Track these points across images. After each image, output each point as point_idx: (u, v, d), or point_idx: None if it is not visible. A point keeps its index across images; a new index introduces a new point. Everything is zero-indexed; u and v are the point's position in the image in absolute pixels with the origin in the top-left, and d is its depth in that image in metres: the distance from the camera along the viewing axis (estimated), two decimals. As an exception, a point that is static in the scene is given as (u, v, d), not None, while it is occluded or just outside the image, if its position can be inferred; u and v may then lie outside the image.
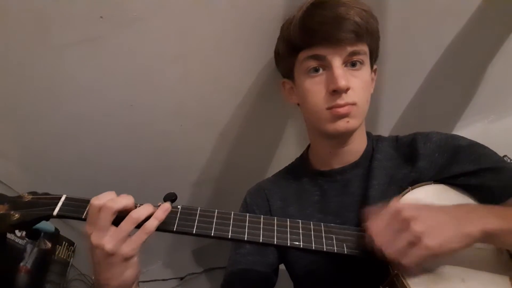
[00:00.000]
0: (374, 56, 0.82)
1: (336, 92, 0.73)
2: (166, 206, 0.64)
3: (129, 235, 0.62)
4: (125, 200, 0.62)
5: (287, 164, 0.97)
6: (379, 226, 0.61)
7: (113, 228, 0.60)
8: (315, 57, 0.76)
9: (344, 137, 0.80)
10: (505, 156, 1.22)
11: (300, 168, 0.91)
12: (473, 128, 1.42)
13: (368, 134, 0.88)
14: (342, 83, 0.72)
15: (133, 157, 1.14)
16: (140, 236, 0.61)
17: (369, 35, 0.76)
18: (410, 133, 0.85)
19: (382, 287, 0.63)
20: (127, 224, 0.61)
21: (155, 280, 1.65)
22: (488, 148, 0.76)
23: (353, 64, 0.75)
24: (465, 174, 0.73)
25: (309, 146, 0.93)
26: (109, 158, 1.11)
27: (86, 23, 0.81)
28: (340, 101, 0.74)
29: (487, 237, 0.58)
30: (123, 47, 0.87)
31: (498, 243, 0.61)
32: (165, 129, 1.09)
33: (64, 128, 1.00)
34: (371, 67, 0.82)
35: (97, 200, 0.61)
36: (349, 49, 0.74)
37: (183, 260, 1.69)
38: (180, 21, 0.86)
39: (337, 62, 0.74)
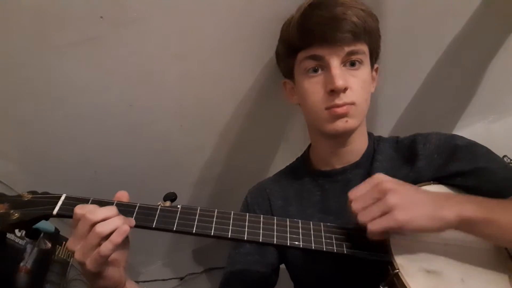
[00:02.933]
0: (374, 55, 0.82)
1: (334, 92, 0.74)
2: (124, 228, 0.59)
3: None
4: (106, 212, 0.60)
5: (287, 164, 0.97)
6: (359, 192, 0.63)
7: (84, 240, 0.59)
8: (313, 57, 0.76)
9: (344, 137, 0.81)
10: (505, 156, 1.23)
11: (301, 168, 0.91)
12: (473, 128, 1.42)
13: (370, 134, 0.88)
14: (339, 83, 0.72)
15: (133, 157, 1.14)
16: (96, 257, 0.57)
17: (367, 34, 0.76)
18: (410, 133, 0.85)
19: (381, 287, 0.63)
20: (91, 237, 0.58)
21: (155, 280, 1.65)
22: (486, 148, 0.76)
23: (352, 64, 0.76)
24: (462, 173, 0.73)
25: (310, 145, 0.93)
26: (109, 158, 1.11)
27: (86, 23, 0.81)
28: (338, 101, 0.74)
29: (463, 224, 0.59)
30: (123, 47, 0.87)
31: (474, 231, 0.61)
32: (165, 129, 1.09)
33: (64, 128, 1.00)
34: (372, 66, 0.82)
35: (80, 210, 0.60)
36: (347, 49, 0.74)
37: (183, 260, 1.69)
38: (180, 21, 0.86)
39: (335, 62, 0.74)
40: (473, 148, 0.75)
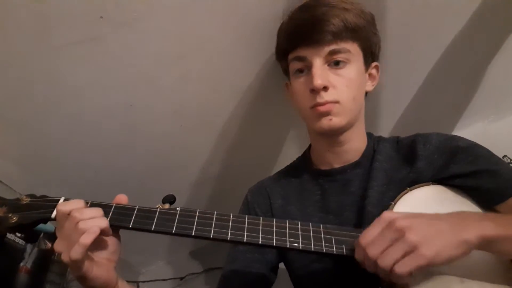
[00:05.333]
0: (369, 53, 0.81)
1: (314, 91, 0.75)
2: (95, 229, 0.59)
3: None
4: (92, 212, 0.60)
5: (287, 164, 0.97)
6: (371, 236, 0.59)
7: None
8: (298, 59, 0.79)
9: (336, 135, 0.81)
10: (505, 156, 1.22)
11: (302, 167, 0.92)
12: (473, 128, 1.42)
13: (370, 134, 0.88)
14: (317, 82, 0.74)
15: (133, 157, 1.14)
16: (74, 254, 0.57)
17: (353, 32, 0.76)
18: (410, 133, 0.85)
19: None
20: (75, 235, 0.58)
21: (155, 280, 1.65)
22: (487, 150, 0.76)
23: (336, 63, 0.76)
24: (462, 175, 0.73)
25: (310, 145, 0.93)
26: (109, 158, 1.11)
27: (86, 23, 0.81)
28: (319, 100, 0.75)
29: (484, 243, 0.57)
30: (123, 47, 0.87)
31: (495, 250, 0.60)
32: (165, 129, 1.09)
33: (64, 128, 1.00)
34: (366, 63, 0.81)
35: (64, 207, 0.61)
36: (327, 48, 0.75)
37: (183, 260, 1.69)
38: (180, 21, 0.86)
39: (317, 62, 0.76)
40: (474, 150, 0.75)
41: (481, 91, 1.30)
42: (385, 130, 1.33)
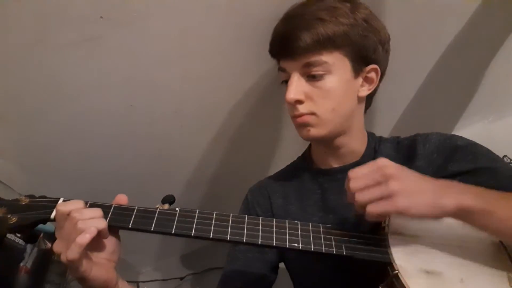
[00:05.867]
0: (358, 58, 0.77)
1: (289, 103, 0.76)
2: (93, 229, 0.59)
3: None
4: (91, 213, 0.60)
5: (288, 164, 0.97)
6: (360, 172, 0.62)
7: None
8: (281, 69, 0.80)
9: (324, 141, 0.81)
10: (505, 156, 1.22)
11: (302, 166, 0.92)
12: (473, 128, 1.41)
13: (371, 134, 0.88)
14: (289, 96, 0.75)
15: (133, 157, 1.14)
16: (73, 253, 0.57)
17: (330, 42, 0.73)
18: (410, 133, 0.85)
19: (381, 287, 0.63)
20: (73, 234, 0.58)
21: (155, 280, 1.65)
22: (486, 148, 0.76)
23: (313, 76, 0.75)
24: (461, 173, 0.73)
25: (310, 144, 0.93)
26: (109, 157, 1.11)
27: (86, 23, 0.81)
28: (295, 112, 0.77)
29: (461, 213, 0.59)
30: (123, 47, 0.87)
31: (471, 221, 0.61)
32: (165, 129, 1.09)
33: (64, 128, 1.00)
34: (356, 69, 0.77)
35: (63, 207, 0.60)
36: (301, 62, 0.75)
37: (183, 260, 1.69)
38: (180, 21, 0.86)
39: (294, 75, 0.76)
40: (473, 148, 0.75)
41: (481, 91, 1.30)
42: (385, 130, 1.33)
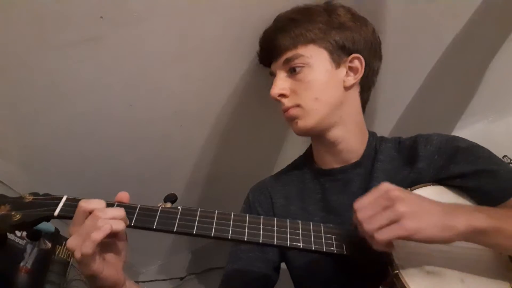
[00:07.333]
0: (336, 48, 0.80)
1: (277, 99, 0.82)
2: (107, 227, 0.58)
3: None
4: (114, 212, 0.60)
5: (288, 164, 0.97)
6: (365, 202, 0.60)
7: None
8: (271, 74, 0.87)
9: (318, 137, 0.83)
10: (505, 156, 1.22)
11: (303, 166, 0.92)
12: (473, 128, 1.42)
13: (372, 134, 0.87)
14: (273, 91, 0.81)
15: (133, 157, 1.14)
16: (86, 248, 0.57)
17: (303, 37, 0.80)
18: (410, 133, 0.85)
19: (381, 287, 0.63)
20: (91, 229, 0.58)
21: (155, 280, 1.65)
22: (488, 150, 0.76)
23: (293, 70, 0.81)
24: (462, 175, 0.73)
25: (311, 144, 0.93)
26: (109, 157, 1.11)
27: (86, 23, 0.81)
28: (282, 106, 0.82)
29: (472, 234, 0.58)
30: (123, 47, 0.87)
31: (483, 242, 0.60)
32: (165, 129, 1.09)
33: (64, 128, 1.00)
34: (335, 60, 0.80)
35: (87, 204, 0.60)
36: (282, 59, 0.82)
37: (183, 260, 1.69)
38: (180, 21, 0.86)
39: (278, 73, 0.83)
40: (474, 150, 0.75)
41: (481, 91, 1.30)
42: (385, 130, 1.33)
